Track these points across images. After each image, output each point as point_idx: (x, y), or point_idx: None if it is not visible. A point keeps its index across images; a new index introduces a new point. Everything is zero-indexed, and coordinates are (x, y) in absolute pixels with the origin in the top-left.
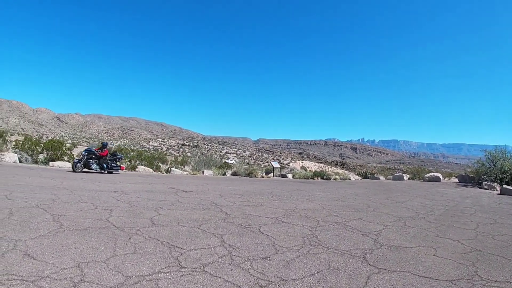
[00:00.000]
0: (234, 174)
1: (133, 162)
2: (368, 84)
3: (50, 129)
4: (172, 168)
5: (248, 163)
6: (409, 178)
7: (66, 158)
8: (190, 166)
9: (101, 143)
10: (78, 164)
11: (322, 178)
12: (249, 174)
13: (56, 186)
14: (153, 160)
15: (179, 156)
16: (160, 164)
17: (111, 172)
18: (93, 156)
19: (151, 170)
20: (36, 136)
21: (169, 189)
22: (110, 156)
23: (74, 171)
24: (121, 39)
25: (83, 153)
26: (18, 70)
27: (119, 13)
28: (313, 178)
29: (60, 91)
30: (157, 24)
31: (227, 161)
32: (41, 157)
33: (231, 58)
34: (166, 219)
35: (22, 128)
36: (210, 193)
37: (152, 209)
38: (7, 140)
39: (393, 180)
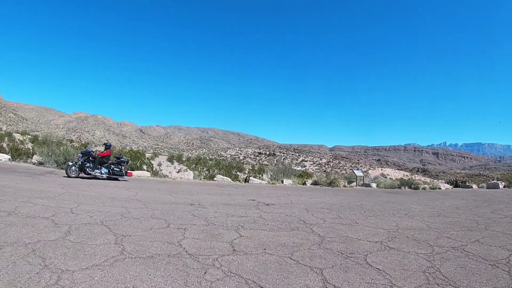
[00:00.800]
0: (315, 183)
1: (211, 171)
2: (447, 84)
3: (133, 140)
4: (250, 177)
5: (325, 171)
6: (504, 186)
7: (145, 167)
8: (269, 175)
9: (104, 144)
10: (73, 167)
11: (410, 187)
12: (330, 184)
13: (129, 198)
14: (231, 169)
15: (256, 164)
16: (238, 173)
17: (116, 179)
18: (91, 158)
19: (229, 179)
20: (120, 147)
21: (249, 202)
22: (113, 160)
23: (68, 176)
24: (199, 54)
25: (78, 155)
26: (102, 87)
27: (195, 30)
28: (399, 188)
29: (142, 105)
30: (230, 37)
31: (295, 168)
32: None
33: (306, 67)
34: (249, 244)
35: (107, 140)
36: (294, 207)
37: (232, 228)
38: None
39: (487, 188)
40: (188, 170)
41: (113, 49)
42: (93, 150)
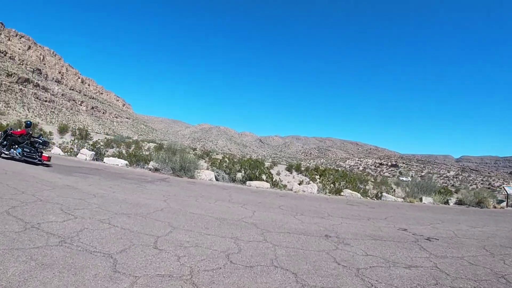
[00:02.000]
0: (459, 202)
1: (337, 184)
2: None
3: (253, 149)
4: (383, 193)
5: (453, 185)
6: None
7: (264, 177)
8: (405, 190)
9: (24, 122)
10: None
11: None
12: (478, 203)
13: (243, 220)
14: (358, 182)
15: (377, 176)
16: (366, 187)
17: (33, 162)
18: (8, 137)
19: (359, 195)
20: (240, 156)
21: (401, 234)
22: (30, 140)
23: None
24: (315, 66)
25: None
26: (225, 100)
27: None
28: None
29: (262, 116)
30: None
31: (403, 178)
32: (238, 175)
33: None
34: None
35: (229, 149)
36: (466, 245)
37: None
38: (212, 158)
39: None
40: (311, 182)
41: (234, 68)
42: (12, 128)
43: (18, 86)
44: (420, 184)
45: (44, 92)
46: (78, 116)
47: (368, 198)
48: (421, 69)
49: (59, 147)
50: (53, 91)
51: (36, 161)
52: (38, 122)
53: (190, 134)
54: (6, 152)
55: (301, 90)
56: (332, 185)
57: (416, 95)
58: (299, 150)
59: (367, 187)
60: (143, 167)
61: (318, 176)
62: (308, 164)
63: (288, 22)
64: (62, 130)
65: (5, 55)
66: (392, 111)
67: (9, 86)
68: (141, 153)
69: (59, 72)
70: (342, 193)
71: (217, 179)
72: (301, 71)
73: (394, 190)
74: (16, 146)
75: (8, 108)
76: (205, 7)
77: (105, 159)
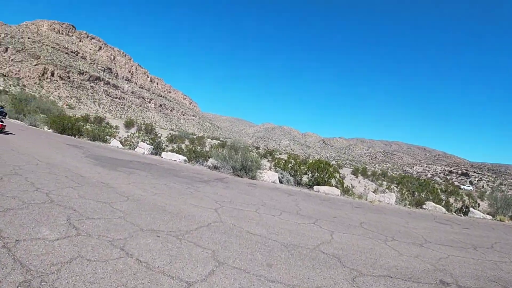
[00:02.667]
0: None
1: (416, 194)
2: None
3: (316, 150)
4: (470, 208)
5: None
6: None
7: (333, 182)
8: (495, 207)
9: None
10: None
11: None
12: None
13: (321, 250)
14: (438, 193)
15: (448, 185)
16: (449, 199)
17: None
18: None
19: (443, 209)
20: (303, 156)
21: None
22: None
23: None
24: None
25: None
26: (290, 100)
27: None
28: None
29: (326, 117)
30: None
31: (464, 187)
32: (305, 178)
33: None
34: None
35: (292, 149)
36: None
37: None
38: (275, 158)
39: None
40: (386, 190)
41: (298, 68)
42: None
43: (90, 83)
44: (505, 198)
45: (115, 90)
46: (147, 112)
47: (454, 213)
48: (492, 73)
49: (120, 140)
50: (123, 89)
51: None
52: (105, 116)
53: (253, 133)
54: None
55: (367, 92)
56: (410, 195)
57: (487, 100)
58: (363, 153)
59: (450, 199)
60: (202, 164)
61: (396, 185)
62: (373, 168)
63: (354, 23)
64: (128, 125)
65: (76, 55)
66: (461, 117)
67: (80, 83)
68: (202, 149)
69: (129, 71)
70: (424, 206)
71: (281, 182)
72: (366, 73)
73: (479, 204)
74: None
75: (80, 103)
76: (265, 8)
77: (163, 154)
